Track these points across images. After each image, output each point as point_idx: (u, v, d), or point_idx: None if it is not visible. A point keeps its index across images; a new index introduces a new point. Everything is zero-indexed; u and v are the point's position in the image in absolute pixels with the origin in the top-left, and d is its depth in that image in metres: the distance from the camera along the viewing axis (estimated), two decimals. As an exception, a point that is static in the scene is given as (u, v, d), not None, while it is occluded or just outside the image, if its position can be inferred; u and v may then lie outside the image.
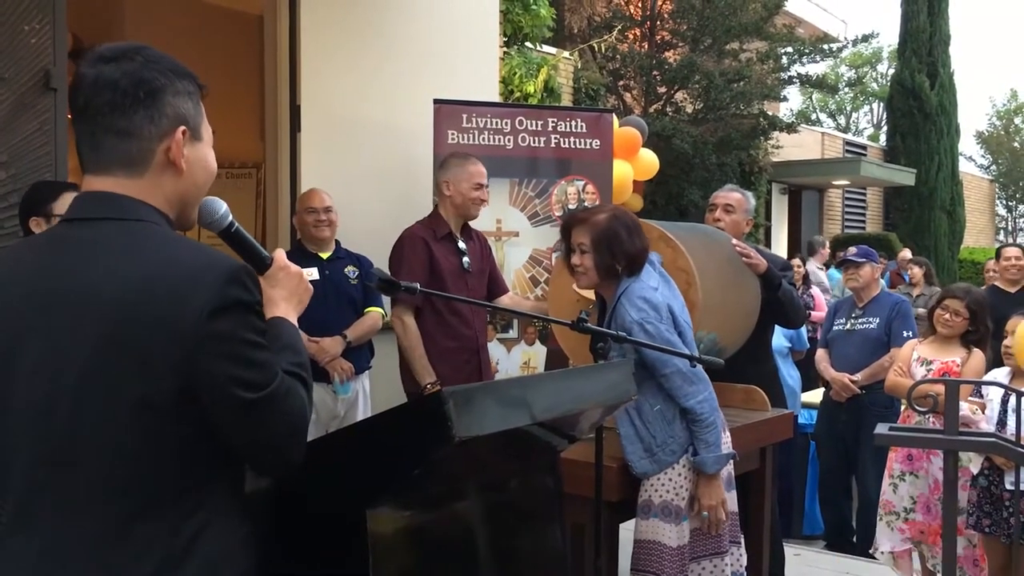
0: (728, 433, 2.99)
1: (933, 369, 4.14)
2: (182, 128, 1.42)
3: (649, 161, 6.09)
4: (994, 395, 3.74)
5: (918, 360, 4.21)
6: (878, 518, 4.20)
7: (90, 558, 1.30)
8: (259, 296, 1.39)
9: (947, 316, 4.14)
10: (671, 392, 2.77)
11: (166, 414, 1.30)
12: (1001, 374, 3.93)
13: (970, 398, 3.80)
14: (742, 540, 3.08)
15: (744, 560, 3.11)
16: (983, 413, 3.74)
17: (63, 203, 2.96)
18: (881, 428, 2.78)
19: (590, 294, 3.31)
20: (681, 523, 2.81)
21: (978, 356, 4.09)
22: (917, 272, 9.61)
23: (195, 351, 1.29)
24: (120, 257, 1.33)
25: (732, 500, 2.99)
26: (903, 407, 4.22)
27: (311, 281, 4.32)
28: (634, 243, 2.87)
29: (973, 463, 3.75)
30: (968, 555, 3.89)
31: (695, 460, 2.78)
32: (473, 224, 4.02)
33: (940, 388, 3.39)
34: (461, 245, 3.86)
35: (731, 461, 2.95)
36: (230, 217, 1.57)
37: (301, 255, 4.22)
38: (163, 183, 1.41)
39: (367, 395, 4.31)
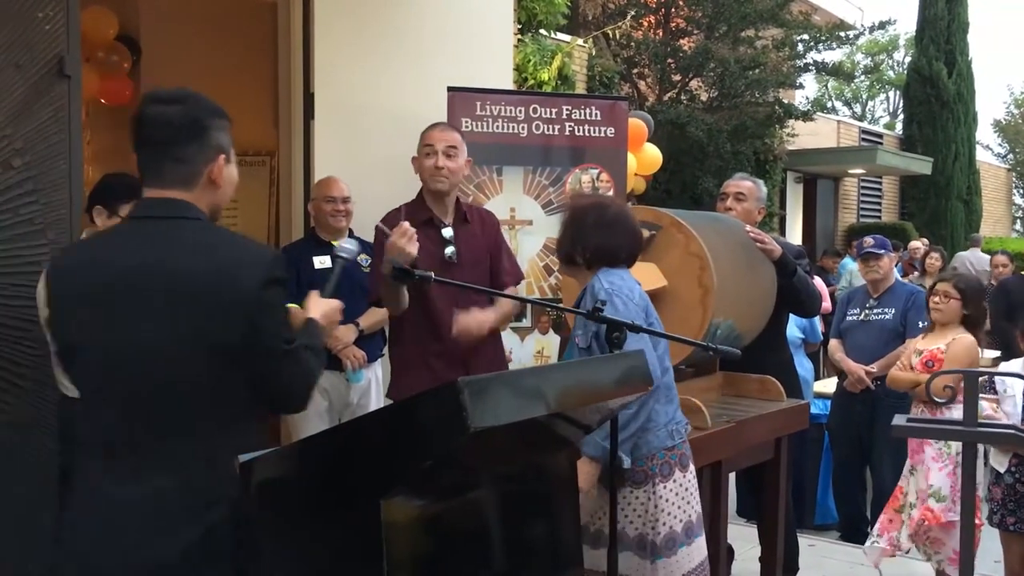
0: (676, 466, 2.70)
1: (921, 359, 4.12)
2: (223, 155, 1.90)
3: (652, 156, 6.07)
4: (1017, 389, 3.68)
5: (916, 351, 4.18)
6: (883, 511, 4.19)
7: (177, 481, 1.72)
8: (287, 276, 1.90)
9: (937, 299, 4.10)
10: None
11: (231, 359, 1.76)
12: (1018, 364, 3.89)
13: (982, 395, 3.75)
14: None
15: None
16: (1001, 409, 3.70)
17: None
18: (899, 419, 2.75)
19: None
20: (656, 562, 2.63)
21: (961, 342, 4.01)
22: (935, 263, 9.55)
23: (252, 312, 1.76)
24: (193, 244, 1.81)
25: (698, 548, 2.72)
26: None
27: (324, 269, 4.36)
28: (600, 237, 2.69)
29: (994, 458, 3.71)
30: None
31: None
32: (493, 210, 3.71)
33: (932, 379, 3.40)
34: (447, 232, 3.36)
35: (696, 512, 2.71)
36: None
37: (315, 243, 4.22)
38: (205, 195, 1.89)
39: (380, 383, 4.31)
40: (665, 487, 2.66)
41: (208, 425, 1.77)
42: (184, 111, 1.84)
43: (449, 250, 3.35)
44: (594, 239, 2.70)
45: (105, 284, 1.78)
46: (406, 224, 2.93)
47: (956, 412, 3.65)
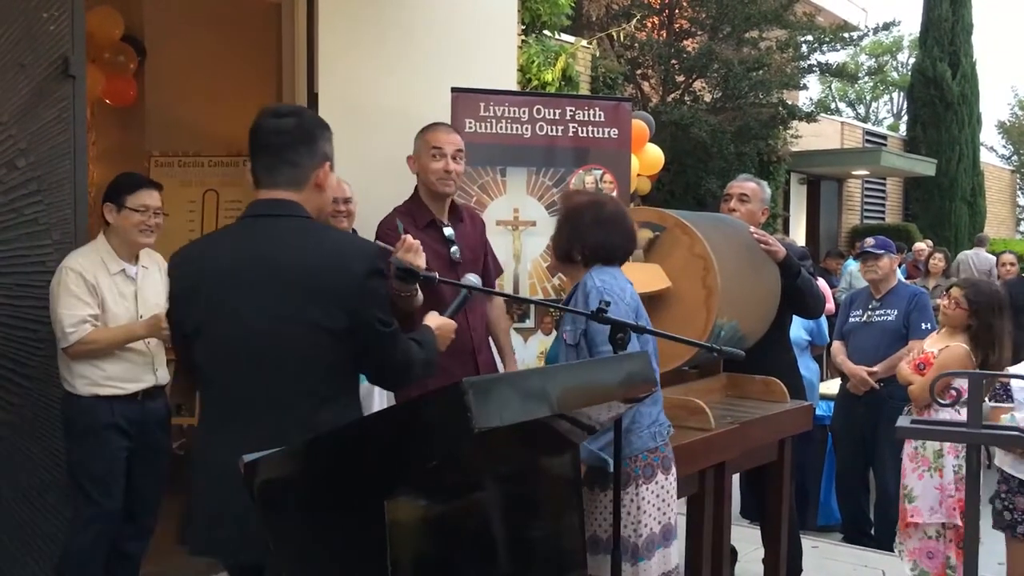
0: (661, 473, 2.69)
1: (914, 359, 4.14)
2: (328, 163, 2.16)
3: (654, 156, 6.06)
4: None
5: (920, 351, 4.21)
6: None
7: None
8: (386, 267, 2.13)
9: (946, 303, 4.10)
10: None
11: (335, 337, 1.98)
12: (1022, 367, 3.87)
13: (999, 403, 3.73)
14: None
15: None
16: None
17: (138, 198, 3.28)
18: (903, 420, 2.74)
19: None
20: (637, 564, 2.59)
21: (952, 351, 3.99)
22: (939, 264, 9.54)
23: (356, 298, 1.99)
24: (302, 239, 2.04)
25: (673, 552, 2.72)
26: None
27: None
28: (598, 234, 2.68)
29: (1015, 467, 3.66)
30: (923, 547, 3.88)
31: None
32: (488, 211, 3.79)
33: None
34: (448, 232, 3.39)
35: (674, 515, 2.69)
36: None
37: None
38: (312, 197, 2.14)
39: (384, 384, 4.31)
40: (647, 489, 2.64)
41: (312, 400, 1.99)
42: (297, 122, 2.12)
43: (453, 249, 3.37)
44: (592, 236, 2.70)
45: (220, 275, 2.02)
46: (409, 237, 2.93)
47: (943, 414, 3.68)
